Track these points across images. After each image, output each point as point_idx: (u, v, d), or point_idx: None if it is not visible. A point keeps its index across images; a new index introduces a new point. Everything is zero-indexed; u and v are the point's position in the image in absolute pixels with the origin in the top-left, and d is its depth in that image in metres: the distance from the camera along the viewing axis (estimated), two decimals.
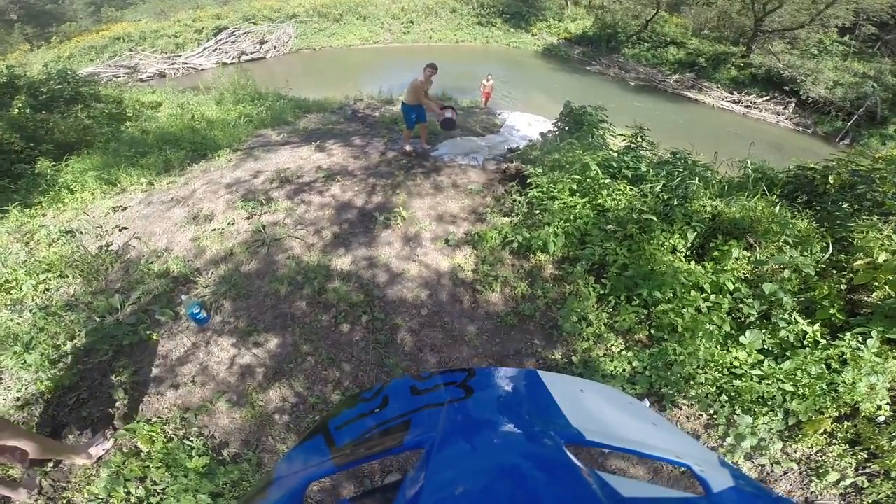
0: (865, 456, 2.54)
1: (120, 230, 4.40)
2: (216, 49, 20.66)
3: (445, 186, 5.17)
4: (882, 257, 2.92)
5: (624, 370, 3.00)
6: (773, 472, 2.58)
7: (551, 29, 24.38)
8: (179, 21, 23.47)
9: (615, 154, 4.74)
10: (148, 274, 3.72)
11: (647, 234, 3.61)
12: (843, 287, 3.07)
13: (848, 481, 2.47)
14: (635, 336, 3.26)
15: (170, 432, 2.68)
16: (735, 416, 2.67)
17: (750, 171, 4.41)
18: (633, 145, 5.14)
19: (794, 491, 2.51)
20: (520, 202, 4.42)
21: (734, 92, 18.30)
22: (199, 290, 3.62)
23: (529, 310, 3.52)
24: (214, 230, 4.26)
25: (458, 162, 5.92)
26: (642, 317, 3.29)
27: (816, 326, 2.80)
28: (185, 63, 19.68)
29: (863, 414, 2.57)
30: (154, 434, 2.60)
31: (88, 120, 7.51)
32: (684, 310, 3.07)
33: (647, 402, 2.65)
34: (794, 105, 17.10)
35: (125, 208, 4.78)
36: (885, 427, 2.54)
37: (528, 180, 4.40)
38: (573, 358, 3.15)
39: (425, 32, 24.61)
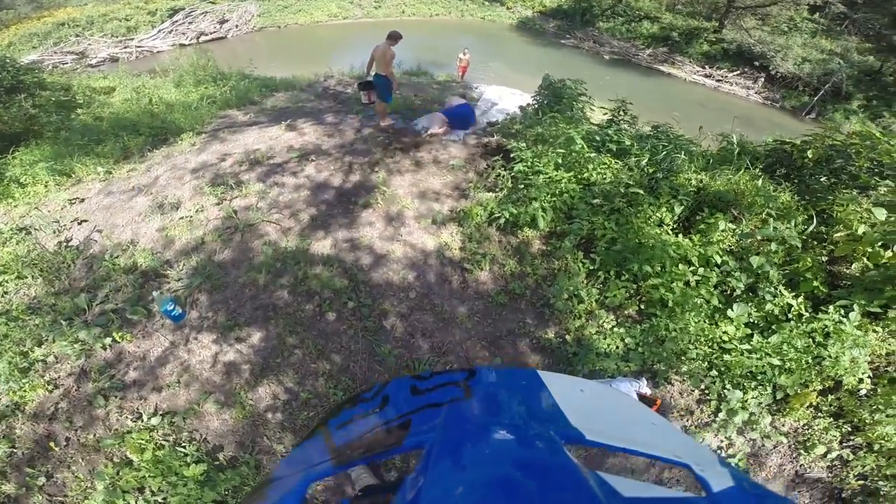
0: (849, 429, 2.62)
1: (79, 224, 4.09)
2: (172, 31, 19.41)
3: (426, 162, 5.01)
4: (861, 230, 2.97)
5: (617, 347, 3.00)
6: (763, 446, 2.63)
7: (526, 2, 23.91)
8: (130, 3, 21.94)
9: (598, 128, 4.67)
10: (114, 269, 3.47)
11: (635, 207, 3.58)
12: (824, 259, 3.13)
13: (834, 454, 2.55)
14: (626, 312, 3.26)
15: (159, 439, 2.52)
16: (726, 391, 2.70)
17: (735, 144, 4.41)
18: (615, 119, 5.08)
19: (784, 465, 2.57)
20: (504, 177, 4.31)
21: (706, 66, 18.51)
22: (171, 285, 3.41)
23: (520, 288, 3.47)
24: (182, 218, 4.00)
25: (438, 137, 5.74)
26: (632, 291, 3.29)
27: (801, 299, 2.84)
28: (139, 46, 18.47)
29: (845, 387, 2.64)
30: (143, 442, 2.44)
31: (34, 109, 6.94)
32: (673, 284, 3.07)
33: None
34: (763, 80, 17.45)
35: (83, 200, 4.44)
36: (867, 400, 2.61)
37: (512, 155, 4.29)
38: (566, 337, 3.13)
39: (397, 6, 23.74)
